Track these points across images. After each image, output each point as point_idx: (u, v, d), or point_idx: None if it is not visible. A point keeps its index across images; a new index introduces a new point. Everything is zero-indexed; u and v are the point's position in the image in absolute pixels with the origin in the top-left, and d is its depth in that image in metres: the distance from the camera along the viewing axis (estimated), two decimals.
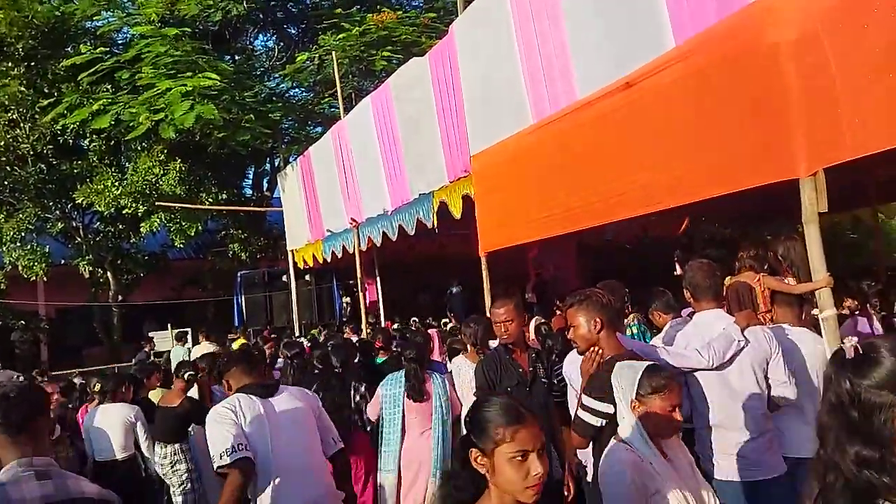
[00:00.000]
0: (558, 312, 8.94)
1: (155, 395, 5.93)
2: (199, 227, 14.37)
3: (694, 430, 3.04)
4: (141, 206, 13.31)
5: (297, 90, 17.55)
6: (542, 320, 8.27)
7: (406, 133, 7.21)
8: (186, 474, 5.18)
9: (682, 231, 11.65)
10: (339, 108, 9.95)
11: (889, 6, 2.83)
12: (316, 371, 4.96)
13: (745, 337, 2.95)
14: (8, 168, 13.79)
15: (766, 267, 3.99)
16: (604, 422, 2.58)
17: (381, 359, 6.04)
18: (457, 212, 6.45)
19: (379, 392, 4.64)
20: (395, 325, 9.38)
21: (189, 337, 12.22)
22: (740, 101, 3.42)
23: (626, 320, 4.82)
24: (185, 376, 5.29)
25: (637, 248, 12.81)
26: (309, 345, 7.39)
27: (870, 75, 2.88)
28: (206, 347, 9.49)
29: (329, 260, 10.30)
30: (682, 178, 3.86)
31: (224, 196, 14.72)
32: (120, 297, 15.75)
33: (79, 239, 15.39)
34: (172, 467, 5.15)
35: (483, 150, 5.78)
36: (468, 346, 4.69)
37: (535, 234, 5.57)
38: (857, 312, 5.34)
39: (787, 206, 3.85)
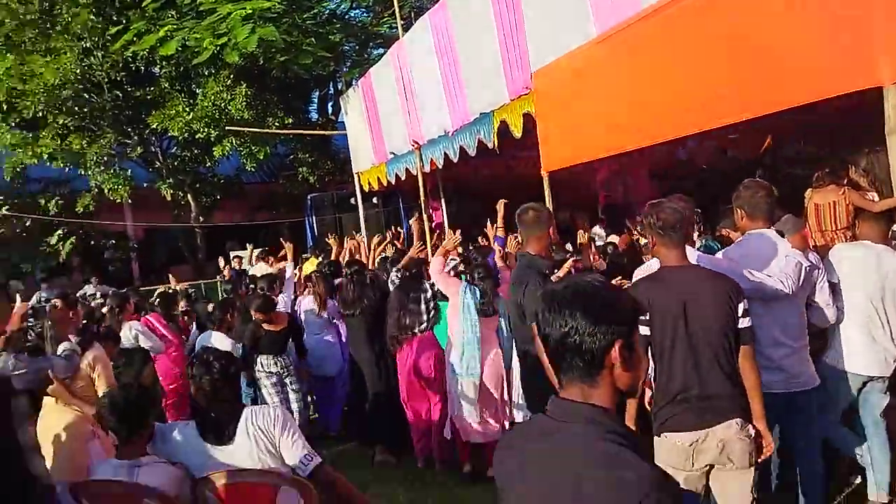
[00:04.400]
0: (626, 233, 8.98)
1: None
2: (268, 152, 14.66)
3: None
4: (212, 131, 13.64)
5: (356, 11, 17.22)
6: (612, 241, 8.82)
7: (465, 51, 6.98)
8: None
9: (763, 151, 10.99)
10: (398, 29, 9.69)
11: None
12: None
13: (809, 260, 2.97)
14: (86, 95, 14.30)
15: (845, 182, 3.74)
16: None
17: None
18: (517, 131, 6.28)
19: (459, 290, 4.65)
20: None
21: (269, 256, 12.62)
22: (822, 9, 3.13)
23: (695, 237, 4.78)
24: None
25: (713, 169, 12.20)
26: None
27: None
28: (262, 269, 9.91)
29: (393, 182, 10.32)
30: (757, 90, 3.57)
31: (290, 120, 14.85)
32: (201, 219, 16.45)
33: (158, 163, 16.00)
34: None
35: (545, 66, 5.53)
36: None
37: (599, 152, 5.35)
38: None
39: (868, 122, 3.55)
